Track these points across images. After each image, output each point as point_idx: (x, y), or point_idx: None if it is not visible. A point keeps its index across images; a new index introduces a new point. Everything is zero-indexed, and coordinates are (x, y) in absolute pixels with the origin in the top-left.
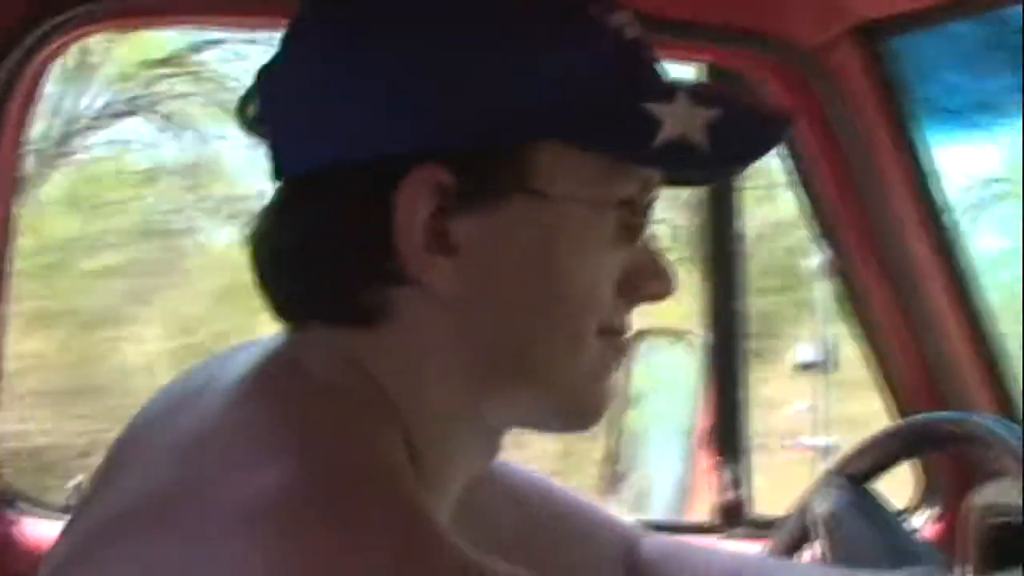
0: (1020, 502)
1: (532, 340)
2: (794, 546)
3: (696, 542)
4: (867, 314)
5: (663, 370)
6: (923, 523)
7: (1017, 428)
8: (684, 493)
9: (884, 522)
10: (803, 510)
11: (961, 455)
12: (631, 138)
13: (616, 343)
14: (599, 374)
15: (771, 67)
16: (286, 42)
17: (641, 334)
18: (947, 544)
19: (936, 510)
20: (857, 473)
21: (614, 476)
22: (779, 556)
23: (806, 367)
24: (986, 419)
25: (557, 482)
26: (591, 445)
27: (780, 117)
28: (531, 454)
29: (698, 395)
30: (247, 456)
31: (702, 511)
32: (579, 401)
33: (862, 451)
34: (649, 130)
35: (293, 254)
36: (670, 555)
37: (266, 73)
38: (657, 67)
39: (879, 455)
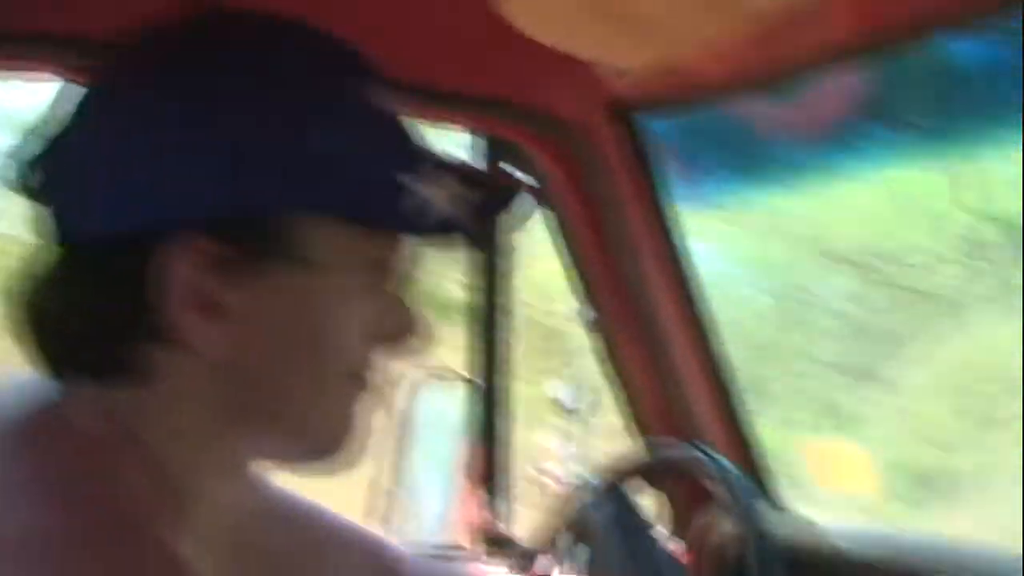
0: (733, 527)
1: (284, 390)
2: (556, 554)
3: (457, 568)
4: (619, 363)
5: (434, 409)
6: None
7: (727, 462)
8: (450, 523)
9: (641, 536)
10: (564, 521)
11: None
12: (383, 209)
13: (364, 387)
14: (346, 416)
15: (536, 137)
16: (70, 115)
17: (415, 376)
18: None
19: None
20: (616, 485)
21: (385, 506)
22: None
23: (562, 408)
24: (706, 453)
25: (329, 506)
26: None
27: (516, 189)
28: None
29: (465, 432)
30: (13, 502)
31: (467, 540)
32: (326, 441)
33: (616, 469)
34: (399, 201)
35: (63, 316)
36: None
37: (48, 143)
38: (410, 140)
39: (628, 475)
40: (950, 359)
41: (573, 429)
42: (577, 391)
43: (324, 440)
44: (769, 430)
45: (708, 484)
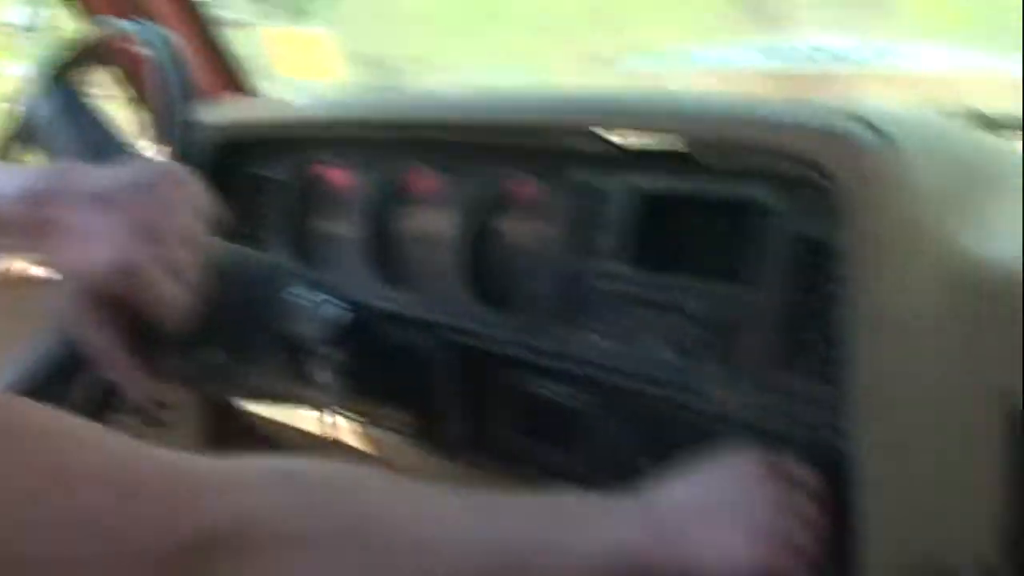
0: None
1: None
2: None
3: None
4: None
5: None
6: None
7: (170, 40)
8: None
9: (92, 122)
10: (14, 126)
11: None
12: None
13: None
14: None
15: None
16: None
17: None
18: None
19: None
20: (61, 76)
21: None
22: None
23: (18, 29)
24: (148, 32)
25: None
26: None
27: None
28: None
29: None
30: None
31: None
32: None
33: (61, 54)
34: None
35: None
36: None
37: None
38: None
39: (76, 57)
40: None
41: (32, 48)
42: (32, 9)
43: None
44: (232, 18)
45: (148, 67)
